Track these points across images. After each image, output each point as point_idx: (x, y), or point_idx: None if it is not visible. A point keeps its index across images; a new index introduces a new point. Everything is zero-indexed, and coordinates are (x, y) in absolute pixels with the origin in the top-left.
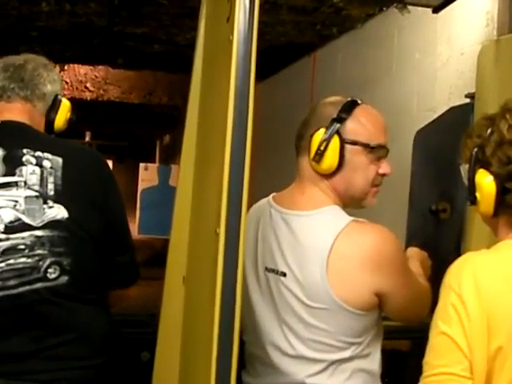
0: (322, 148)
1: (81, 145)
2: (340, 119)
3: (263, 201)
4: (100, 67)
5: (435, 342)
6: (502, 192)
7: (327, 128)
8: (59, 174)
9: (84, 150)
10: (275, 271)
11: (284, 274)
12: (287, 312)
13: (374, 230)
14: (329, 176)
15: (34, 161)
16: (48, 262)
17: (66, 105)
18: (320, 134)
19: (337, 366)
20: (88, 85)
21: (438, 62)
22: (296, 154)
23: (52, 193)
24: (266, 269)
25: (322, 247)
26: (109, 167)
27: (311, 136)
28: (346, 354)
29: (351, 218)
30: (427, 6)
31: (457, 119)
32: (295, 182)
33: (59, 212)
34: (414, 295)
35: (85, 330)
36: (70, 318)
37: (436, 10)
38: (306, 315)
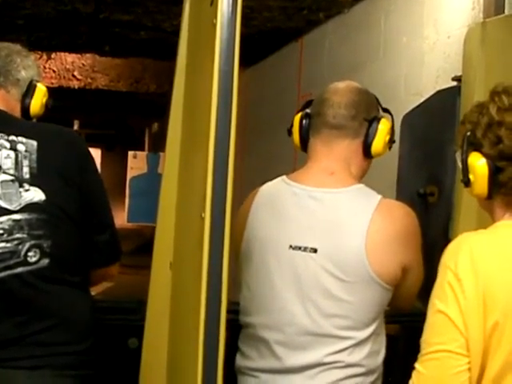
0: (390, 137)
1: (56, 126)
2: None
3: (275, 182)
4: (87, 55)
5: (432, 320)
6: (494, 172)
7: (378, 118)
8: (34, 157)
9: (59, 131)
10: (302, 248)
11: (315, 250)
12: (314, 289)
13: (403, 207)
14: (367, 159)
15: (8, 145)
16: (27, 245)
17: (41, 90)
18: (388, 123)
19: (357, 345)
20: (75, 73)
21: (425, 45)
22: (329, 135)
23: (28, 176)
24: (291, 247)
25: (360, 221)
26: (85, 146)
27: (370, 121)
28: (369, 330)
29: (380, 196)
30: None
31: (444, 102)
32: (317, 162)
33: (36, 195)
34: (421, 273)
35: (68, 314)
36: (52, 303)
37: None
38: (336, 290)
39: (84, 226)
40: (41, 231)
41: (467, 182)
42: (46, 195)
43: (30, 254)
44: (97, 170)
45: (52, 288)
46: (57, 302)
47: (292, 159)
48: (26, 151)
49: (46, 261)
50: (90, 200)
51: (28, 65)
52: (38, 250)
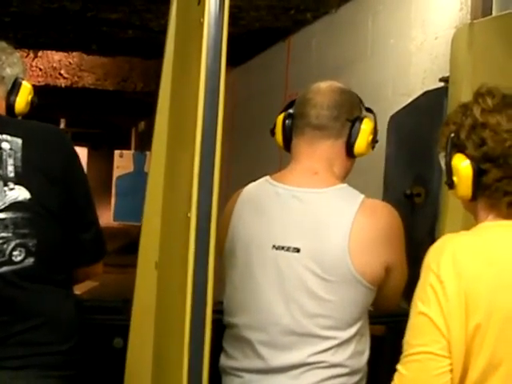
0: (373, 137)
1: (41, 124)
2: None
3: (259, 182)
4: (74, 54)
5: (414, 321)
6: (478, 174)
7: (361, 118)
8: (19, 155)
9: (44, 129)
10: (285, 248)
11: (297, 250)
12: (297, 288)
13: (386, 206)
14: (350, 159)
15: None
16: (13, 244)
17: (26, 87)
18: (371, 123)
19: (340, 345)
20: (62, 71)
21: (413, 46)
22: (312, 135)
23: (12, 174)
24: (274, 247)
25: (343, 221)
26: (71, 144)
27: (352, 121)
28: (352, 330)
29: (363, 195)
30: None
31: (431, 103)
32: (300, 163)
33: (21, 193)
34: (405, 273)
35: (53, 313)
36: (37, 302)
37: None
38: (320, 289)
39: (69, 224)
40: (26, 230)
41: (451, 184)
42: (31, 194)
43: (14, 253)
44: (82, 168)
45: (37, 287)
46: (41, 301)
47: (278, 159)
48: (10, 149)
49: (31, 260)
50: (75, 198)
51: (13, 62)
52: (23, 249)
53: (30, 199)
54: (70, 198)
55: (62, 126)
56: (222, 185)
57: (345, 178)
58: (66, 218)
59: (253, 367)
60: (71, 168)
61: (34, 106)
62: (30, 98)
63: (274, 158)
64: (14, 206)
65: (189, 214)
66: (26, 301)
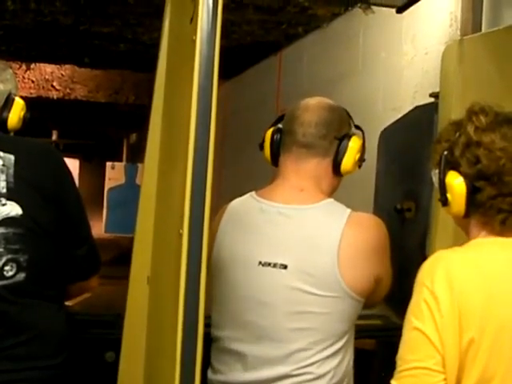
0: (361, 155)
1: (33, 140)
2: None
3: (244, 198)
4: (66, 66)
5: (408, 337)
6: (472, 191)
7: (349, 135)
8: (11, 171)
9: (36, 146)
10: (272, 264)
11: (285, 266)
12: (285, 303)
13: (373, 218)
14: (337, 176)
15: None
16: (4, 259)
17: (19, 103)
18: (359, 142)
19: (328, 357)
20: (54, 84)
21: (403, 61)
22: (299, 153)
23: (4, 190)
24: (261, 263)
25: (331, 236)
26: (62, 160)
27: (340, 139)
28: (340, 343)
29: (350, 209)
30: (391, 6)
31: (421, 118)
32: (286, 179)
33: (13, 209)
34: (390, 279)
35: (43, 328)
36: (28, 317)
37: (400, 10)
38: (308, 305)
39: (61, 240)
40: (17, 245)
41: (445, 201)
42: (23, 209)
43: (6, 268)
44: (74, 183)
45: (28, 302)
46: (32, 316)
47: (270, 172)
48: (3, 165)
49: (22, 275)
50: (68, 215)
51: (6, 78)
52: (14, 265)
53: (21, 215)
54: (63, 215)
55: (54, 137)
56: (212, 198)
57: (331, 194)
58: (58, 234)
59: (238, 380)
60: (63, 185)
61: (26, 121)
62: (22, 114)
63: (265, 171)
64: (6, 222)
65: (181, 231)
66: (17, 315)
